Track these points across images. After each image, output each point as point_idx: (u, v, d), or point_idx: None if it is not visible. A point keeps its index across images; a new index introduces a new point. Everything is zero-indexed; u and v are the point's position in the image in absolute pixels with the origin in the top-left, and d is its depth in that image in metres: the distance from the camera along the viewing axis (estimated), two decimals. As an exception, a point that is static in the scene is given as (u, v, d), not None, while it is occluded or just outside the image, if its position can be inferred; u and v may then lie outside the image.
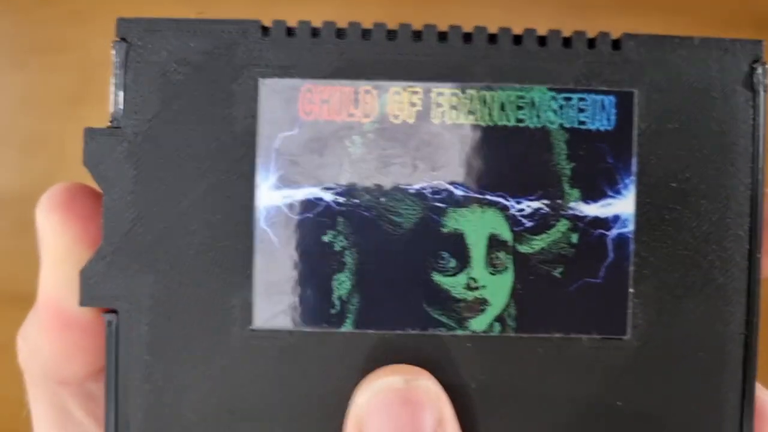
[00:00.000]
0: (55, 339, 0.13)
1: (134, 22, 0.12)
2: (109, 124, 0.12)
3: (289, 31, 0.12)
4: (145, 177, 0.12)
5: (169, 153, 0.12)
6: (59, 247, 0.12)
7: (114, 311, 0.12)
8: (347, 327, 0.12)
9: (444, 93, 0.12)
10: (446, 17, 0.55)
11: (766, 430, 0.13)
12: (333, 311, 0.12)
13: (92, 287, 0.12)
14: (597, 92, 0.12)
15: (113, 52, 0.12)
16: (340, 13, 0.60)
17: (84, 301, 0.12)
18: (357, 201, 0.12)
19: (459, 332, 0.12)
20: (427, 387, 0.11)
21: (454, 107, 0.12)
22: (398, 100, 0.12)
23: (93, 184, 0.13)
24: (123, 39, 0.12)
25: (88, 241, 0.12)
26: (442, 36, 0.12)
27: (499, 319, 0.12)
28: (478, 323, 0.12)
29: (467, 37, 0.12)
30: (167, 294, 0.12)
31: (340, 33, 0.12)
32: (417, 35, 0.12)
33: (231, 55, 0.12)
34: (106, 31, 0.57)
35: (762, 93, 0.12)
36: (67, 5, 0.59)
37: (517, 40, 0.12)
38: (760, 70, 0.12)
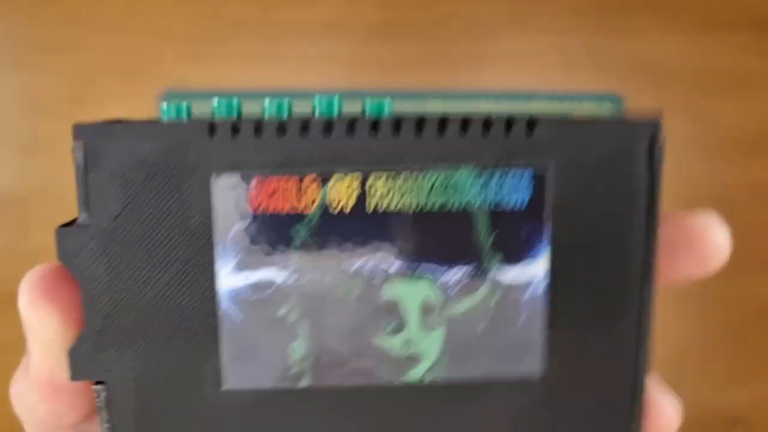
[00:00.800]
0: (49, 402, 0.14)
1: (91, 127, 0.13)
2: (78, 221, 0.14)
3: (234, 129, 0.13)
4: (116, 269, 0.14)
5: (135, 246, 0.14)
6: (45, 333, 0.14)
7: (102, 382, 0.14)
8: (304, 383, 0.14)
9: (378, 180, 0.14)
10: (442, 16, 0.55)
11: (652, 421, 0.15)
12: (291, 372, 0.14)
13: (80, 365, 0.14)
14: (513, 172, 0.14)
15: (74, 155, 0.13)
16: (336, 14, 0.60)
17: (74, 377, 0.14)
18: (305, 280, 0.14)
19: (397, 383, 0.14)
20: None
21: (387, 193, 0.14)
22: (337, 189, 0.14)
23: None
24: (82, 143, 0.13)
25: (71, 324, 0.14)
26: (374, 126, 0.13)
27: (432, 370, 0.14)
28: (414, 374, 0.14)
29: (396, 128, 0.13)
30: (147, 367, 0.14)
31: (280, 128, 0.13)
32: (351, 127, 0.13)
33: (183, 155, 0.13)
34: (105, 31, 0.57)
35: (657, 167, 0.14)
36: (66, 6, 0.59)
37: (442, 128, 0.14)
38: (657, 147, 0.14)
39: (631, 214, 0.14)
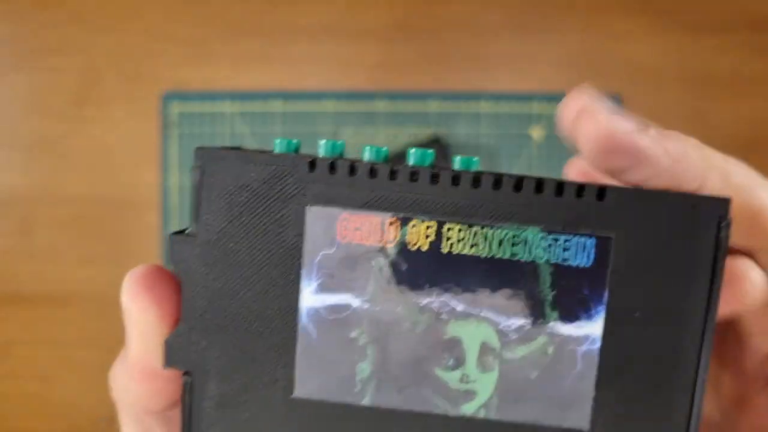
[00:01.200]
0: (141, 385, 0.16)
1: (209, 152, 0.15)
2: (188, 231, 0.16)
3: (332, 167, 0.15)
4: (215, 275, 0.15)
5: (233, 258, 0.15)
6: (145, 324, 0.16)
7: (188, 373, 0.16)
8: (366, 402, 0.15)
9: (453, 228, 0.15)
10: (442, 18, 0.55)
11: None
12: (355, 390, 0.15)
13: (172, 355, 0.16)
14: (580, 235, 0.15)
15: (192, 174, 0.15)
16: (337, 15, 0.60)
17: (166, 364, 0.16)
18: (378, 308, 0.15)
19: (452, 413, 0.15)
20: None
21: (460, 240, 0.15)
22: (416, 231, 0.15)
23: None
24: (199, 165, 0.15)
25: (167, 318, 0.16)
26: (455, 179, 0.15)
27: (485, 406, 0.15)
28: (468, 408, 0.15)
29: (476, 182, 0.15)
30: (229, 365, 0.16)
31: (372, 172, 0.15)
32: (435, 178, 0.15)
33: (283, 184, 0.15)
34: (107, 32, 0.57)
35: (723, 246, 0.14)
36: (68, 7, 0.59)
37: (518, 186, 0.15)
38: (724, 225, 0.14)
39: (691, 292, 0.14)
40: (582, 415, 0.15)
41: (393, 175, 0.15)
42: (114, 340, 0.68)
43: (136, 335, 0.16)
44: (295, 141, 0.15)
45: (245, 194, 0.15)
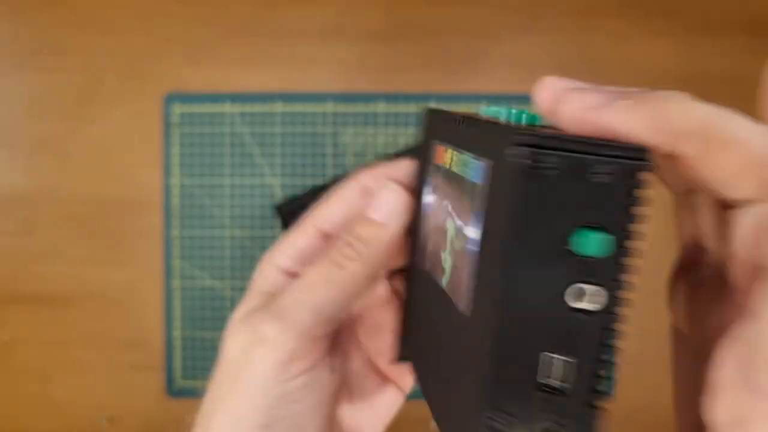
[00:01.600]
0: (391, 247, 0.25)
1: (427, 110, 0.26)
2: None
3: (445, 119, 0.23)
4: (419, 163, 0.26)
5: (420, 167, 0.26)
6: (406, 207, 0.25)
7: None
8: (425, 267, 0.24)
9: (455, 154, 0.21)
10: (441, 20, 0.54)
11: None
12: (424, 258, 0.24)
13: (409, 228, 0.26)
14: (478, 159, 0.18)
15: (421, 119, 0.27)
16: (337, 16, 0.59)
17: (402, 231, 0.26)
18: (434, 205, 0.23)
19: (439, 285, 0.22)
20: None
21: (455, 162, 0.21)
22: (448, 156, 0.22)
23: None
24: (424, 115, 0.26)
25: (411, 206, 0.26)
26: (461, 122, 0.21)
27: (448, 283, 0.21)
28: (443, 281, 0.21)
29: (462, 122, 0.21)
30: (416, 232, 0.26)
31: (454, 120, 0.22)
32: (460, 122, 0.21)
33: (434, 127, 0.25)
34: (108, 33, 0.56)
35: (520, 170, 0.15)
36: (71, 8, 0.59)
37: (474, 125, 0.20)
38: (511, 152, 0.15)
39: (503, 218, 0.16)
40: (466, 298, 0.18)
41: (453, 120, 0.22)
42: (114, 340, 0.68)
43: (400, 215, 0.25)
44: (499, 110, 0.20)
45: (425, 132, 0.26)
